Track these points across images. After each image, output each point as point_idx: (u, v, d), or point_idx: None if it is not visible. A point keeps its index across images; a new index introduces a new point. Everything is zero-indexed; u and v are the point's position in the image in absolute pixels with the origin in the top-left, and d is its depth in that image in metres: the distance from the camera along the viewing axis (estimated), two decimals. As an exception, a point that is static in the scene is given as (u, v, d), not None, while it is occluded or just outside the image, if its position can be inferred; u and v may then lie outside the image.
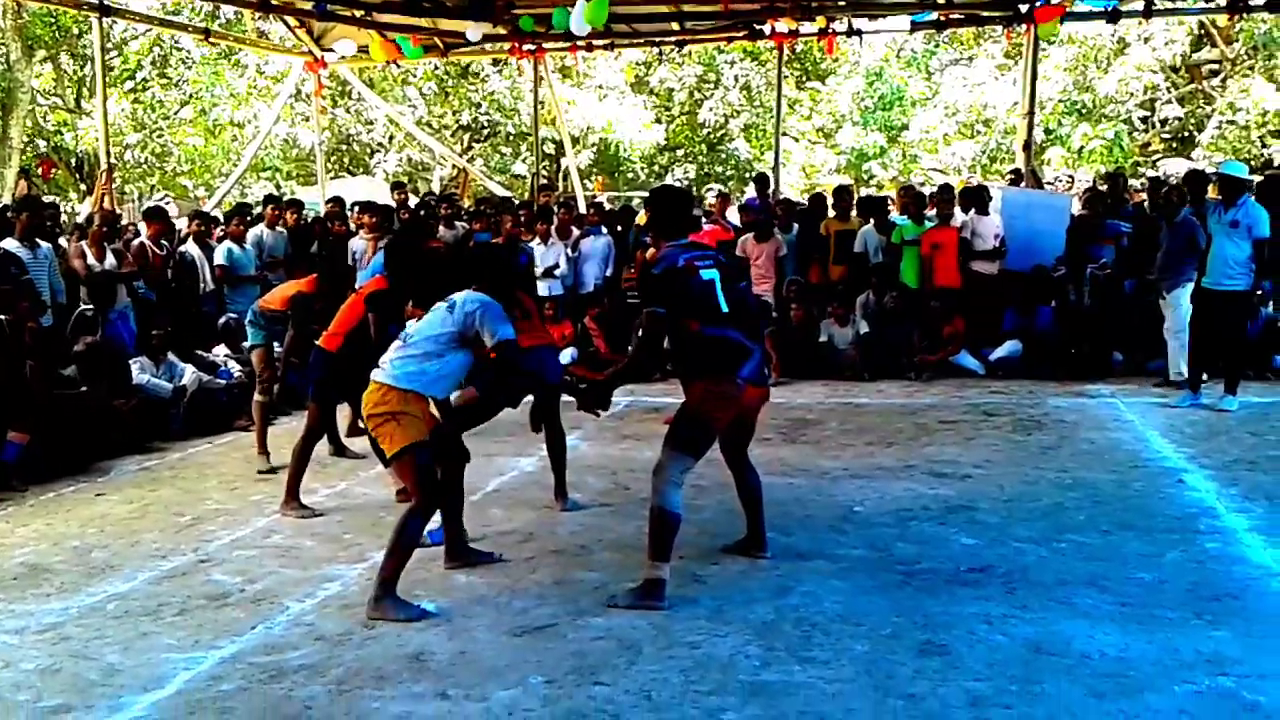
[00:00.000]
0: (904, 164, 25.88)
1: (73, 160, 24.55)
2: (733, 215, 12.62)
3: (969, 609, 4.18)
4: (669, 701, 3.46)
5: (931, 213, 10.86)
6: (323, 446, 6.63)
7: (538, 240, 10.92)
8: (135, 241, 9.51)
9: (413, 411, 4.28)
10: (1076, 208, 11.36)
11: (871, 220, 10.82)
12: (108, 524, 5.81)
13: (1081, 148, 21.75)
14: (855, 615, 4.15)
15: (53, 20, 21.59)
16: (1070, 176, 17.96)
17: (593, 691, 3.54)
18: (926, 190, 12.88)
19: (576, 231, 11.22)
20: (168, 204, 14.15)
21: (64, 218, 10.41)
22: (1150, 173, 18.35)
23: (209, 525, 5.74)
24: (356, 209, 11.41)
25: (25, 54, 22.32)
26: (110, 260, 8.79)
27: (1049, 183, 16.25)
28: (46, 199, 11.57)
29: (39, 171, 23.17)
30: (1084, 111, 22.35)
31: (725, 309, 4.36)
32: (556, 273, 10.71)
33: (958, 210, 10.66)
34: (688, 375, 4.43)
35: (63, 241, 9.35)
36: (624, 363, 4.79)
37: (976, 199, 10.64)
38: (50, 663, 3.91)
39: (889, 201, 11.99)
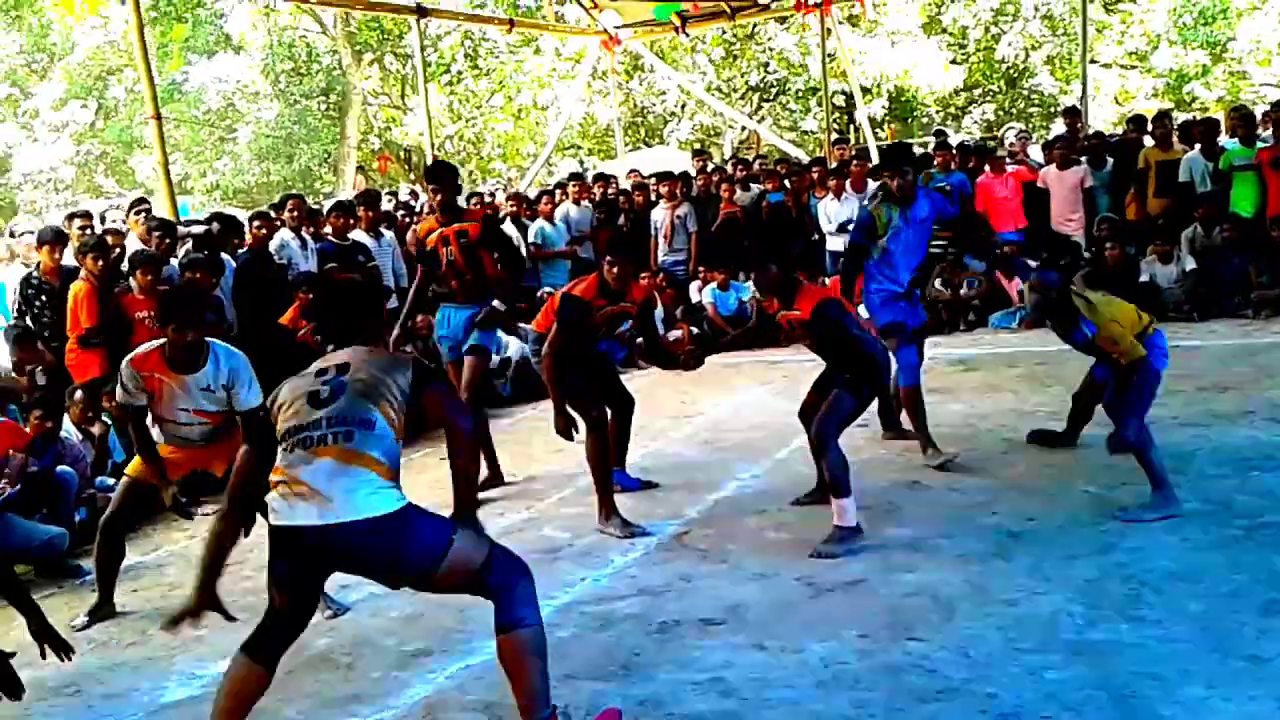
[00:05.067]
0: (1231, 82, 23.45)
1: (401, 153, 26.74)
2: (1036, 153, 11.98)
3: (1322, 566, 3.86)
4: (988, 659, 3.43)
5: (1266, 133, 9.85)
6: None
7: (831, 196, 10.84)
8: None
9: None
10: None
11: (1197, 146, 9.95)
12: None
13: None
14: (1190, 573, 3.93)
15: (377, 25, 23.57)
16: None
17: (908, 647, 3.57)
18: (1259, 110, 11.65)
19: (874, 184, 11.03)
20: (493, 189, 15.16)
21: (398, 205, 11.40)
22: None
23: (538, 485, 6.19)
24: (653, 179, 11.79)
25: (355, 58, 24.56)
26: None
27: None
28: (385, 191, 12.71)
29: (375, 166, 25.38)
30: None
31: None
32: (851, 227, 10.56)
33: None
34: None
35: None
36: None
37: (1322, 112, 9.57)
38: (412, 610, 4.38)
39: (1217, 125, 10.97)
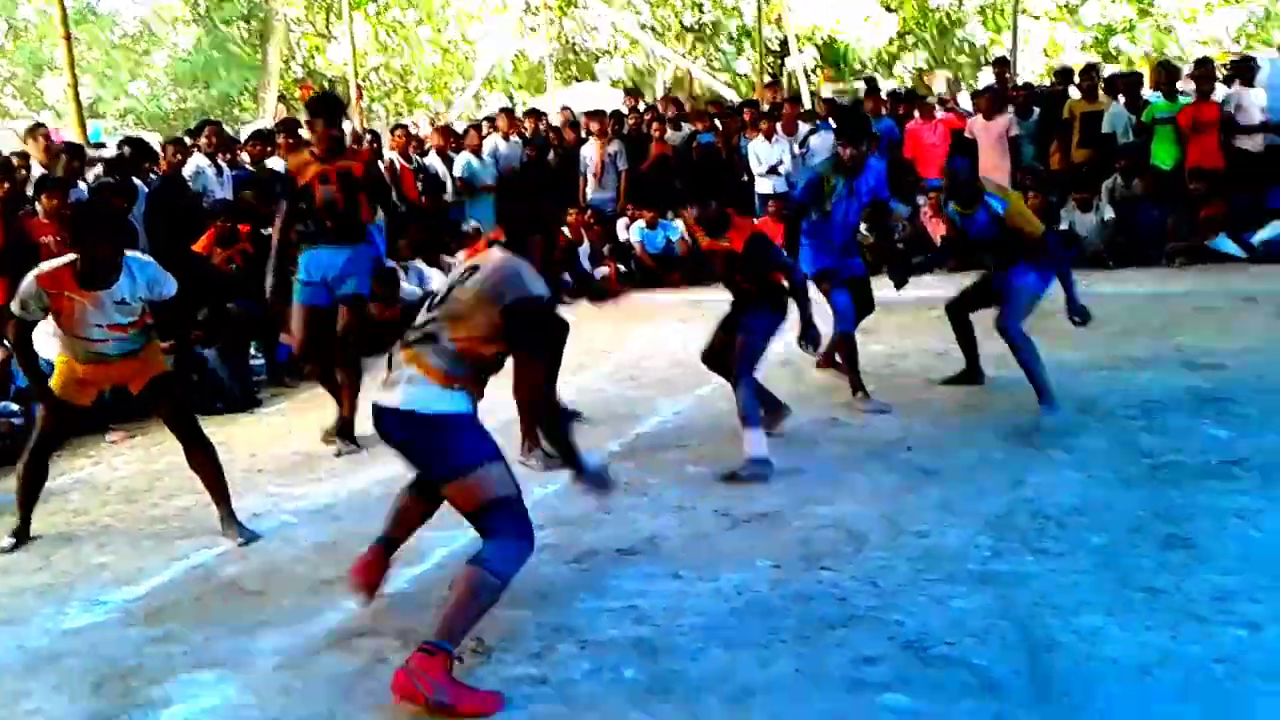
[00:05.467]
0: (1156, 37, 23.84)
1: (325, 82, 26.05)
2: (965, 101, 12.08)
3: (1219, 502, 3.98)
4: (896, 588, 3.50)
5: (1189, 88, 10.03)
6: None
7: (762, 138, 10.81)
8: (386, 159, 10.10)
9: None
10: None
11: (1121, 99, 10.10)
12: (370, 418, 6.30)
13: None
14: (1093, 508, 4.04)
15: (302, -52, 22.84)
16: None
17: (819, 576, 3.62)
18: (1184, 67, 11.86)
19: (804, 127, 11.02)
20: (415, 122, 14.87)
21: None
22: None
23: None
24: (585, 116, 11.66)
25: (278, -17, 23.76)
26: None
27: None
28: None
29: (298, 95, 24.72)
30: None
31: None
32: (781, 169, 10.58)
33: (1219, 84, 9.81)
34: None
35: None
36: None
37: (1244, 69, 9.75)
38: (325, 539, 4.34)
39: (1140, 78, 11.15)
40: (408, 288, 8.56)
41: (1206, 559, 3.53)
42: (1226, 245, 9.23)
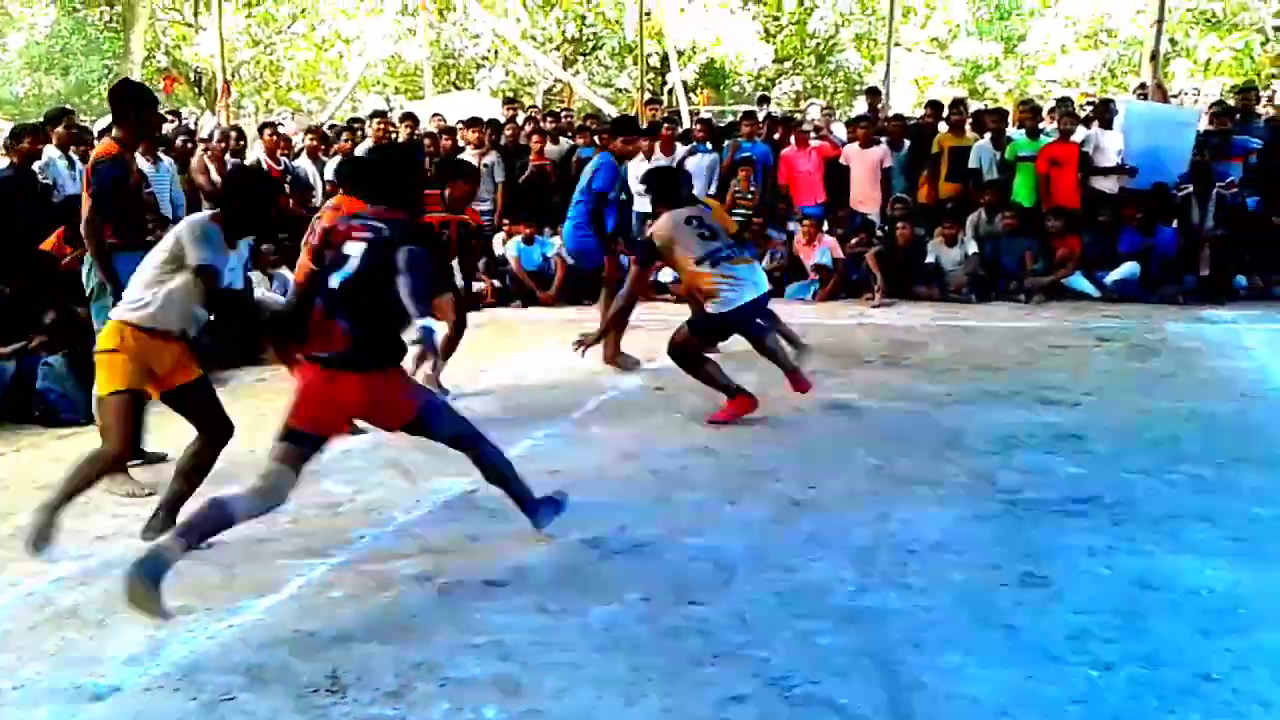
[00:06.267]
0: (1021, 76, 24.92)
1: (191, 75, 25.12)
2: (838, 129, 12.34)
3: (1073, 540, 4.11)
4: (764, 623, 3.49)
5: (1050, 127, 10.46)
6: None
7: (641, 156, 10.81)
8: (253, 158, 9.75)
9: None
10: (1203, 123, 10.81)
11: (988, 135, 10.47)
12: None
13: (1209, 59, 20.64)
14: (955, 543, 4.12)
15: (170, -66, 21.99)
16: (1197, 90, 17.07)
17: (688, 611, 3.59)
18: (1045, 105, 12.39)
19: (682, 148, 11.09)
20: (282, 119, 14.43)
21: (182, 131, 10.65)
22: (1284, 85, 17.29)
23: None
24: (461, 125, 11.48)
25: (144, -32, 22.81)
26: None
27: (1174, 96, 15.48)
28: (167, 113, 11.84)
29: (160, 86, 23.77)
30: (1213, 21, 21.15)
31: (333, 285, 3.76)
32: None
33: (1079, 125, 10.27)
34: None
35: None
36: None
37: (1102, 112, 10.24)
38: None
39: (1006, 115, 11.60)
40: (266, 293, 8.28)
41: (1061, 597, 3.63)
42: (1081, 284, 9.64)
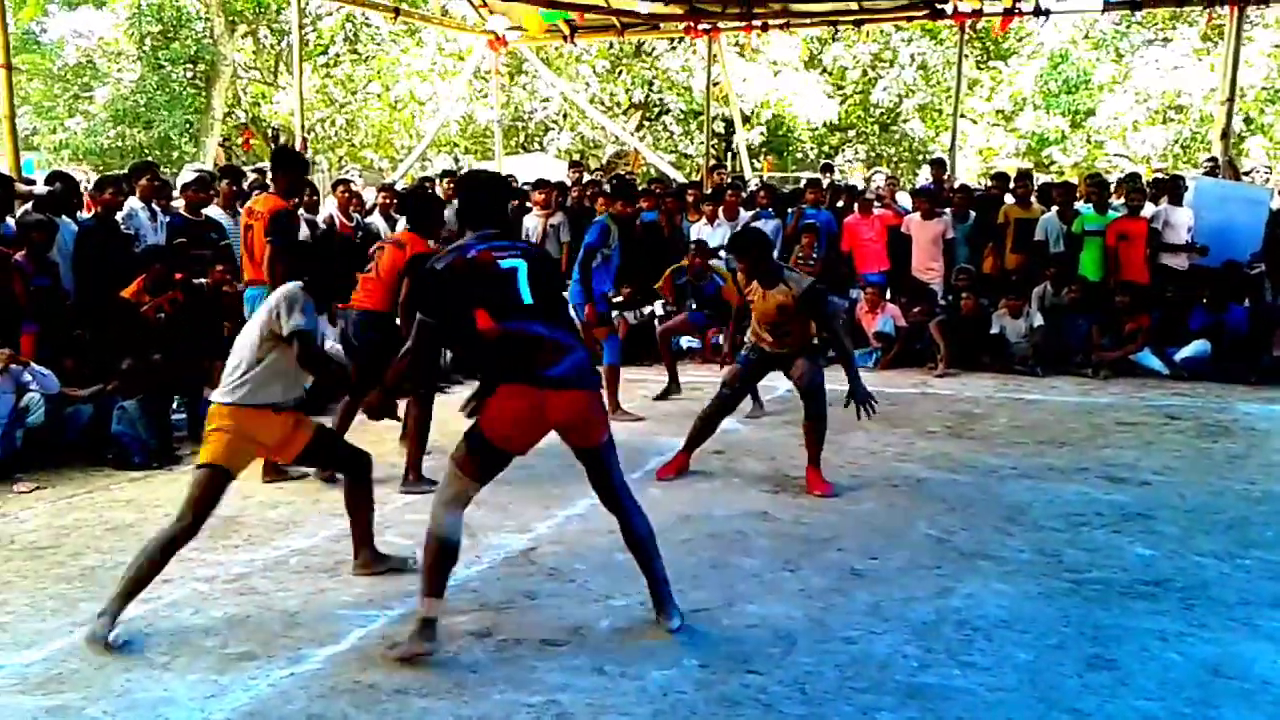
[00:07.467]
0: (1088, 150, 24.79)
1: (270, 131, 25.85)
2: (904, 200, 12.36)
3: (1143, 624, 4.01)
4: (823, 696, 3.44)
5: (1118, 202, 10.39)
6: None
7: (704, 221, 10.92)
8: (325, 214, 9.98)
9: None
10: (1276, 202, 10.67)
11: (1054, 208, 10.41)
12: (292, 482, 6.14)
13: (1284, 137, 20.43)
14: (1020, 621, 4.04)
15: (254, -4, 22.80)
16: (1269, 168, 16.88)
17: (746, 680, 3.56)
18: (1112, 179, 12.31)
19: (746, 214, 11.17)
20: (355, 176, 14.79)
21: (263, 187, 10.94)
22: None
23: (386, 488, 5.99)
24: (529, 186, 11.67)
25: (228, 28, 23.67)
26: (304, 230, 9.23)
27: (1246, 174, 15.32)
28: (252, 169, 12.20)
29: (239, 141, 24.49)
30: (1287, 98, 20.99)
31: (529, 300, 3.74)
32: (722, 254, 10.68)
33: (1148, 201, 10.18)
34: (485, 380, 3.87)
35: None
36: (390, 377, 4.15)
37: (1172, 189, 10.15)
38: (237, 611, 4.17)
39: (1074, 189, 11.54)
40: (332, 344, 8.40)
41: (1129, 681, 3.54)
42: (1150, 360, 9.49)
